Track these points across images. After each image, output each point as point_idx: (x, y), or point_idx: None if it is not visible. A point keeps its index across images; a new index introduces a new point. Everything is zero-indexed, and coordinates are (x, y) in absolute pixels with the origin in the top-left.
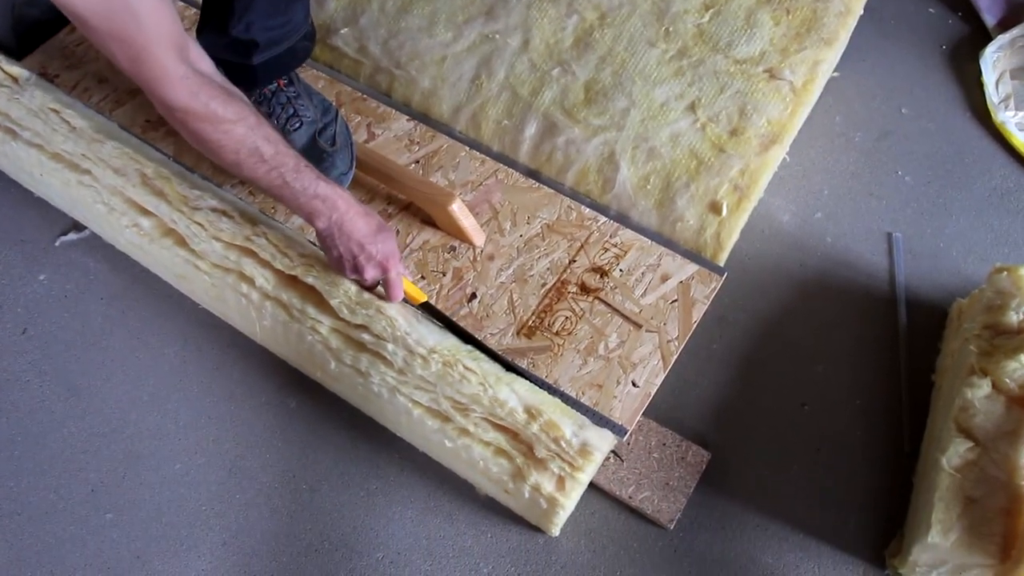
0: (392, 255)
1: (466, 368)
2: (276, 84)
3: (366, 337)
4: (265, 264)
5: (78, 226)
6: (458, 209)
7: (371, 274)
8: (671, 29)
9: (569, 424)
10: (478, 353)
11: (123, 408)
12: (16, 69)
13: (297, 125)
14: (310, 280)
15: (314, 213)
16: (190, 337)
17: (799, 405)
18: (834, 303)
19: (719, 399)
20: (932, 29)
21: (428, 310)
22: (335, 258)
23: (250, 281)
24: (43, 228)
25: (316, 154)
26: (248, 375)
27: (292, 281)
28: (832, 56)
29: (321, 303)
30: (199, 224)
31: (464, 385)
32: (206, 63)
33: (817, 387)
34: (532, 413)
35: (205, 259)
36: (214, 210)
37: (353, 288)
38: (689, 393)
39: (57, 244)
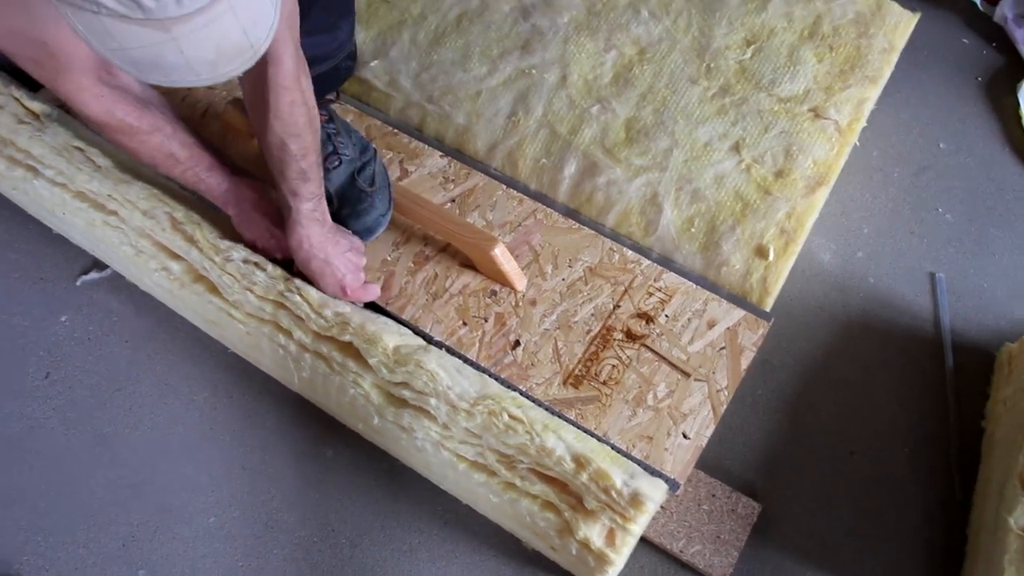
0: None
1: (512, 417)
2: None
3: (407, 393)
4: (300, 320)
5: (99, 264)
6: (501, 254)
7: (282, 252)
8: (712, 66)
9: (620, 473)
10: (523, 400)
11: (153, 458)
12: (37, 105)
13: (336, 163)
14: (347, 339)
15: (227, 204)
16: (220, 383)
17: (847, 452)
18: (878, 346)
19: (766, 446)
20: (967, 60)
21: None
22: (248, 240)
23: (287, 333)
24: (63, 266)
25: (355, 194)
26: (282, 423)
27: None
28: (876, 94)
29: (362, 357)
30: (231, 275)
31: (510, 435)
32: (127, 77)
33: (864, 433)
34: (580, 462)
35: (239, 308)
36: (246, 261)
37: (391, 345)
38: (735, 440)
39: (78, 283)
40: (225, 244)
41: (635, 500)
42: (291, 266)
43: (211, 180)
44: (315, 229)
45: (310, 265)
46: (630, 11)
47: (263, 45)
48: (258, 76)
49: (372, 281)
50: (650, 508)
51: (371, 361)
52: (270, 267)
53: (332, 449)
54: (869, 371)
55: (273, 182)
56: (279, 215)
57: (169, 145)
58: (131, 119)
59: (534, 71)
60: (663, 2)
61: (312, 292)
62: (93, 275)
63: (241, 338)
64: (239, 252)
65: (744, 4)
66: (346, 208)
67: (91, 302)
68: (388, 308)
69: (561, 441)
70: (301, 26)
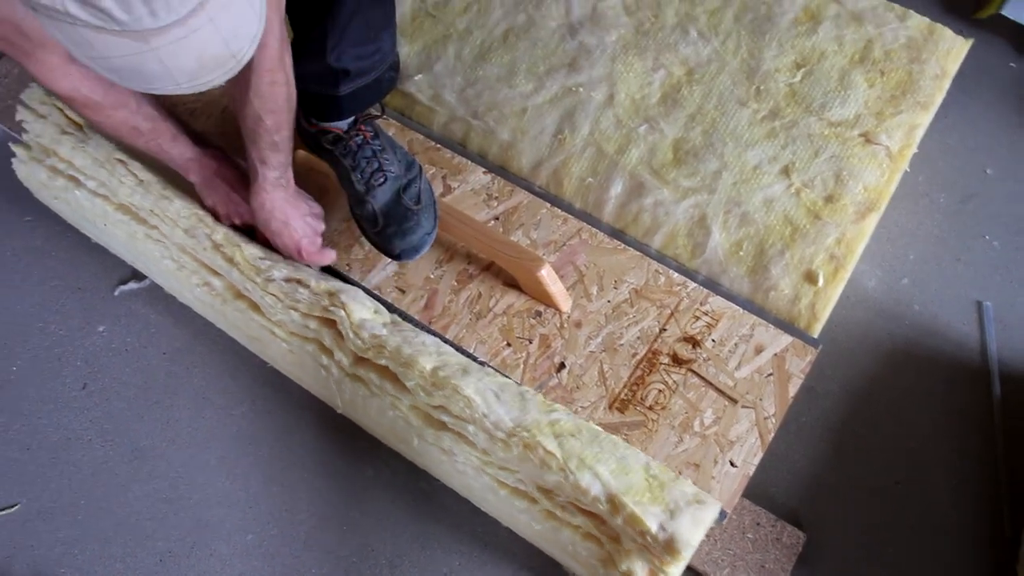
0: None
1: (547, 452)
2: (362, 136)
3: (446, 417)
4: (341, 339)
5: (138, 275)
6: (547, 274)
7: (242, 217)
8: (762, 88)
9: (655, 516)
10: (563, 424)
11: (190, 472)
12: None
13: (382, 180)
14: (383, 362)
15: (189, 171)
16: (259, 397)
17: (892, 482)
18: (924, 374)
19: (810, 474)
20: (1014, 85)
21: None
22: (209, 205)
23: (329, 353)
24: (101, 276)
25: (400, 212)
26: (321, 440)
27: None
28: (928, 120)
29: (400, 380)
30: (273, 295)
31: (546, 472)
32: None
33: (910, 463)
34: (615, 504)
35: (282, 327)
36: (288, 280)
37: (428, 367)
38: (779, 467)
39: (116, 293)
40: (266, 264)
41: (671, 547)
42: (252, 233)
43: (173, 151)
44: (278, 193)
45: (270, 226)
46: (679, 31)
47: (246, 55)
48: None
49: (416, 298)
50: (687, 555)
51: (408, 384)
52: (313, 282)
53: (372, 468)
54: (914, 400)
55: (243, 147)
56: (239, 182)
57: (133, 119)
58: (96, 96)
59: (581, 89)
60: (712, 23)
61: (353, 310)
62: (132, 285)
63: (283, 355)
64: (280, 271)
65: (794, 27)
66: (392, 226)
67: (129, 313)
68: (432, 327)
69: (597, 480)
70: (342, 39)
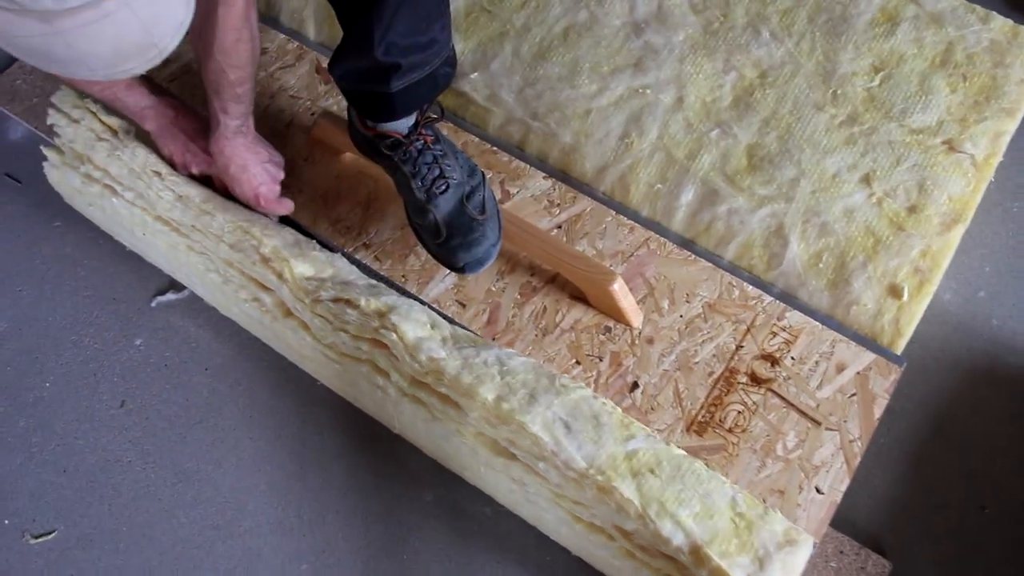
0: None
1: (624, 498)
2: (423, 141)
3: (515, 450)
4: (396, 359)
5: (176, 285)
6: (619, 289)
7: (199, 166)
8: (839, 92)
9: (743, 569)
10: (640, 459)
11: (239, 497)
12: (115, 120)
13: (443, 188)
14: (443, 390)
15: (145, 119)
16: (309, 418)
17: (978, 507)
18: (1005, 393)
19: (891, 498)
20: None
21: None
22: (166, 155)
23: (385, 374)
24: (136, 286)
25: (465, 222)
26: (377, 463)
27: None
28: (1014, 127)
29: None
30: (322, 317)
31: (623, 518)
32: None
33: (995, 487)
34: (699, 556)
35: (334, 349)
36: (336, 300)
37: (490, 399)
38: (859, 491)
39: (153, 305)
40: (312, 285)
41: None
42: (209, 183)
43: (129, 99)
44: (238, 140)
45: (228, 170)
46: (750, 31)
47: (171, 44)
48: (208, 11)
49: (477, 312)
50: None
51: (471, 416)
52: (363, 302)
53: (432, 493)
54: (997, 421)
55: (205, 95)
56: (196, 131)
57: None
58: None
59: (648, 91)
60: (785, 23)
61: (406, 331)
62: (169, 296)
63: (335, 375)
64: (328, 291)
65: (871, 28)
66: (456, 238)
67: (167, 325)
68: (496, 344)
69: (679, 528)
70: (390, 30)
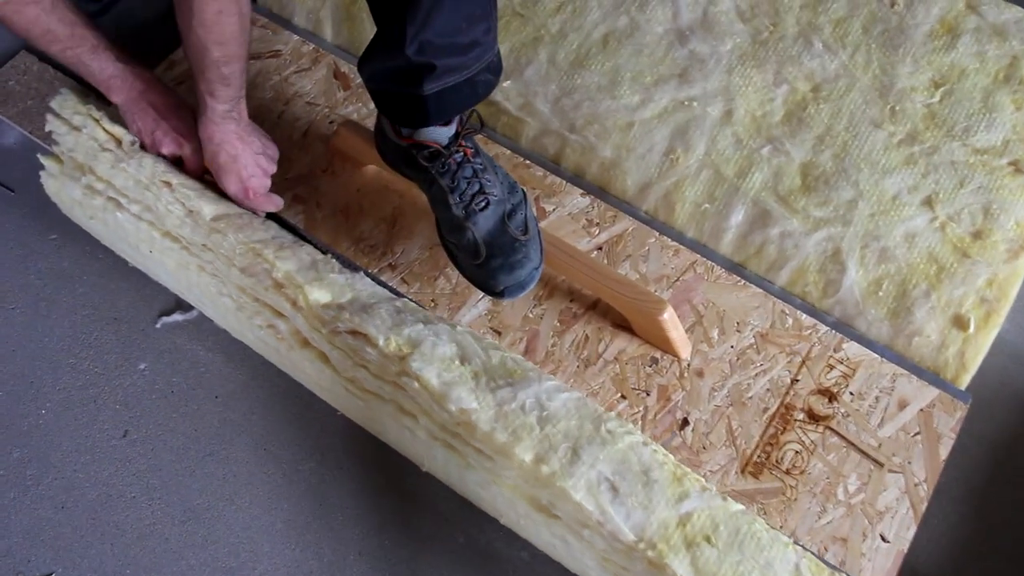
0: (189, 132)
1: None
2: (463, 153)
3: (558, 511)
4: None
5: (183, 305)
6: (670, 318)
7: (168, 147)
8: (897, 108)
9: None
10: (695, 524)
11: (253, 537)
12: (119, 130)
13: (483, 204)
14: (476, 444)
15: (111, 89)
16: (329, 451)
17: None
18: None
19: (954, 542)
20: None
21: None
22: (135, 132)
23: (412, 417)
24: (140, 305)
25: (507, 242)
26: (404, 501)
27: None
28: None
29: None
30: (341, 350)
31: None
32: None
33: None
34: None
35: (355, 384)
36: (354, 334)
37: (527, 459)
38: (920, 534)
39: (158, 326)
40: (330, 315)
41: None
42: (183, 166)
43: (94, 64)
44: (229, 126)
45: (217, 159)
46: (801, 41)
47: None
48: None
49: (514, 341)
50: None
51: (505, 475)
52: (381, 341)
53: (464, 534)
54: None
55: (192, 77)
56: (169, 109)
57: (47, 20)
58: None
59: (694, 103)
60: (838, 34)
61: (431, 378)
62: (176, 317)
63: (358, 408)
64: (345, 322)
65: (930, 40)
66: (498, 258)
67: (174, 348)
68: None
69: None
70: (424, 28)
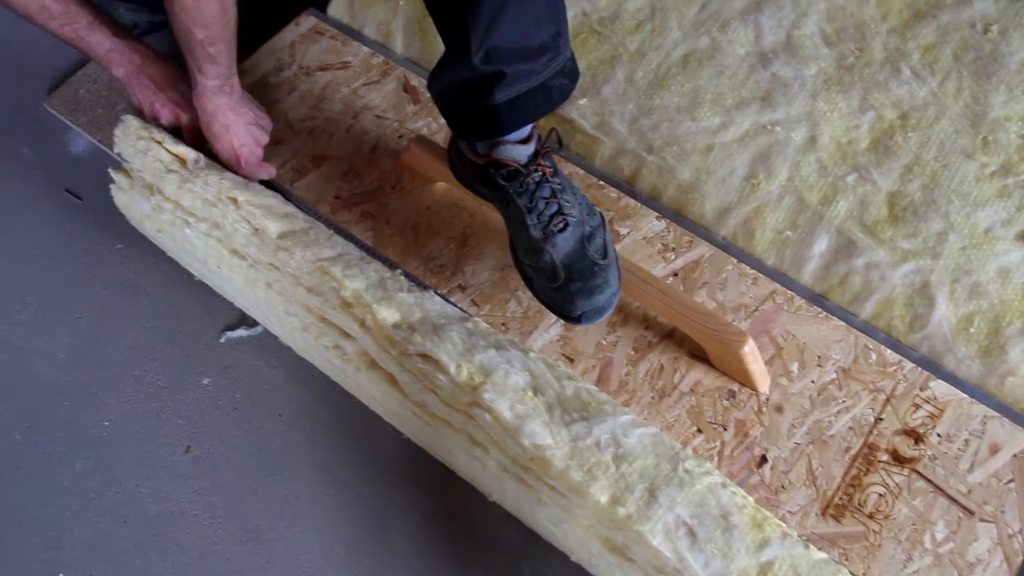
0: (186, 103)
1: None
2: (541, 172)
3: (633, 555)
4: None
5: (247, 320)
6: (750, 351)
7: (167, 118)
8: (990, 139)
9: None
10: (776, 574)
11: (315, 561)
12: (183, 149)
13: (561, 225)
14: (550, 483)
15: (111, 63)
16: (394, 475)
17: None
18: None
19: None
20: None
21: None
22: (135, 103)
23: (483, 448)
24: (204, 319)
25: (586, 266)
26: (469, 531)
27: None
28: None
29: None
30: (410, 372)
31: None
32: None
33: None
34: None
35: (423, 409)
36: (426, 359)
37: (603, 501)
38: None
39: (222, 340)
40: (400, 336)
41: None
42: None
43: (91, 39)
44: (221, 99)
45: (211, 128)
46: (888, 67)
47: None
48: None
49: (587, 369)
50: None
51: (579, 515)
52: (453, 368)
53: (530, 567)
54: None
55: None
56: (166, 81)
57: None
58: None
59: (777, 128)
60: (927, 60)
61: (503, 410)
62: (240, 332)
63: (425, 434)
64: (416, 345)
65: None
66: (577, 282)
67: (237, 364)
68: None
69: None
70: (489, 35)
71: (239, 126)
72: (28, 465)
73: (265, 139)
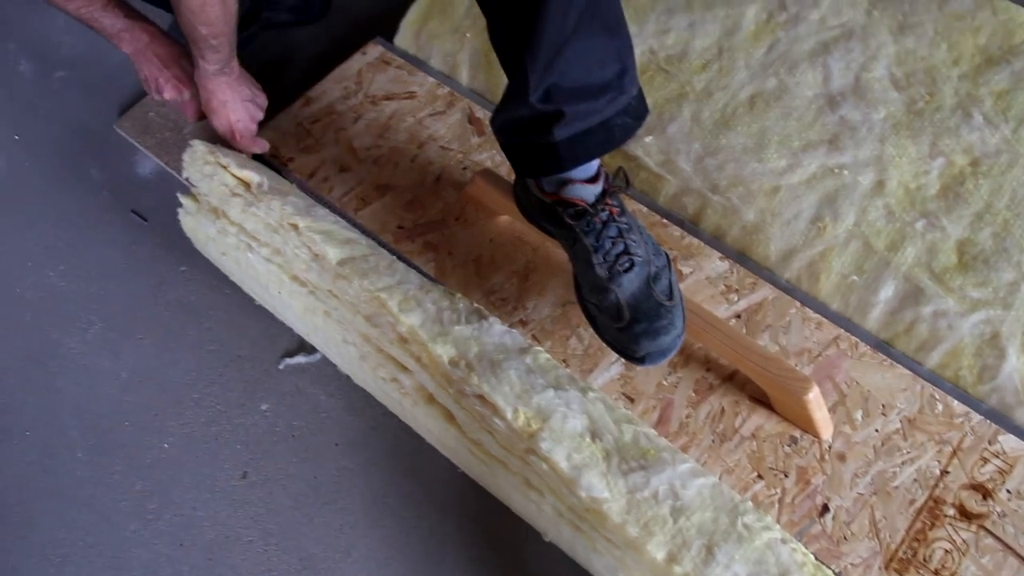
0: (189, 80)
1: None
2: (608, 211)
3: None
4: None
5: (306, 346)
6: (815, 398)
7: (170, 93)
8: None
9: None
10: None
11: None
12: (247, 173)
13: (628, 265)
14: (606, 535)
15: (121, 41)
16: (448, 509)
17: None
18: None
19: None
20: None
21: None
22: (142, 79)
23: (538, 492)
24: (264, 344)
25: (652, 307)
26: (524, 569)
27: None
28: None
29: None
30: (467, 412)
31: None
32: None
33: None
34: None
35: (480, 447)
36: (483, 400)
37: (660, 557)
38: None
39: (281, 367)
40: (458, 375)
41: None
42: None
43: (105, 20)
44: (220, 79)
45: (210, 104)
46: (960, 113)
47: None
48: None
49: (647, 410)
50: None
51: (634, 566)
52: (510, 414)
53: None
54: None
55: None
56: (171, 58)
57: None
58: None
59: (845, 171)
60: (1000, 107)
61: (560, 461)
62: (299, 359)
63: (483, 473)
64: (472, 386)
65: None
66: (642, 323)
67: (296, 391)
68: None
69: None
70: (548, 74)
71: (236, 103)
72: (91, 485)
73: (260, 115)
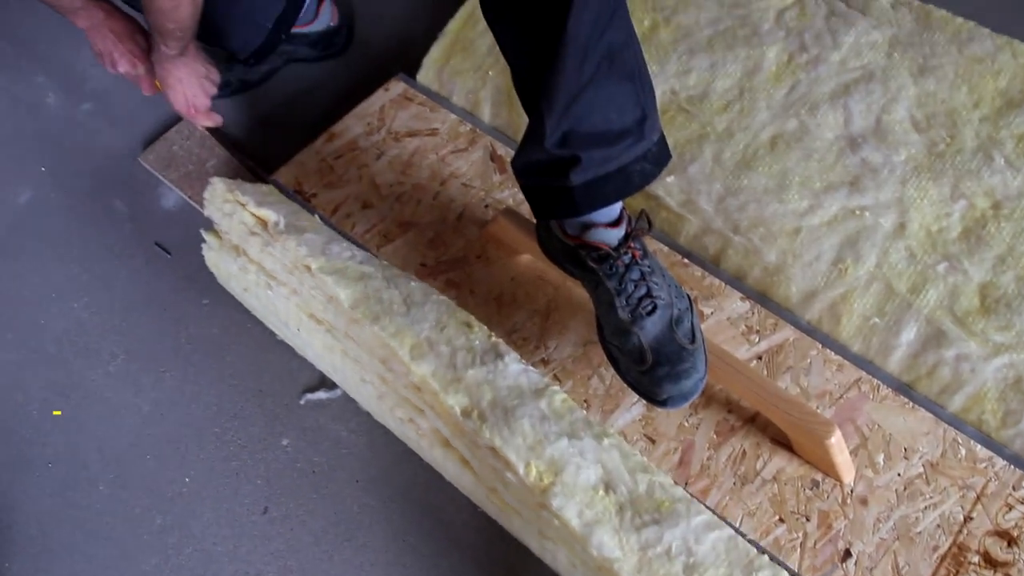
0: (143, 55)
1: None
2: (631, 255)
3: None
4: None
5: (327, 382)
6: (836, 443)
7: (124, 67)
8: None
9: None
10: None
11: None
12: (265, 212)
13: (650, 308)
14: None
15: (77, 16)
16: (468, 548)
17: None
18: None
19: None
20: None
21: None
22: (96, 52)
23: (553, 541)
24: (285, 379)
25: (674, 350)
26: None
27: None
28: None
29: None
30: (481, 462)
31: None
32: None
33: None
34: None
35: (496, 495)
36: (495, 453)
37: None
38: None
39: (302, 402)
40: (470, 425)
41: None
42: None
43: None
44: (178, 60)
45: (167, 80)
46: (981, 155)
47: None
48: None
49: (668, 451)
50: None
51: None
52: (522, 468)
53: None
54: None
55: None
56: (125, 33)
57: None
58: None
59: (866, 213)
60: (1022, 149)
61: (571, 518)
62: (320, 395)
63: (499, 514)
64: (485, 440)
65: None
66: (664, 366)
67: (317, 427)
68: (688, 490)
69: None
70: (564, 120)
71: (191, 79)
72: (112, 518)
73: (214, 91)
